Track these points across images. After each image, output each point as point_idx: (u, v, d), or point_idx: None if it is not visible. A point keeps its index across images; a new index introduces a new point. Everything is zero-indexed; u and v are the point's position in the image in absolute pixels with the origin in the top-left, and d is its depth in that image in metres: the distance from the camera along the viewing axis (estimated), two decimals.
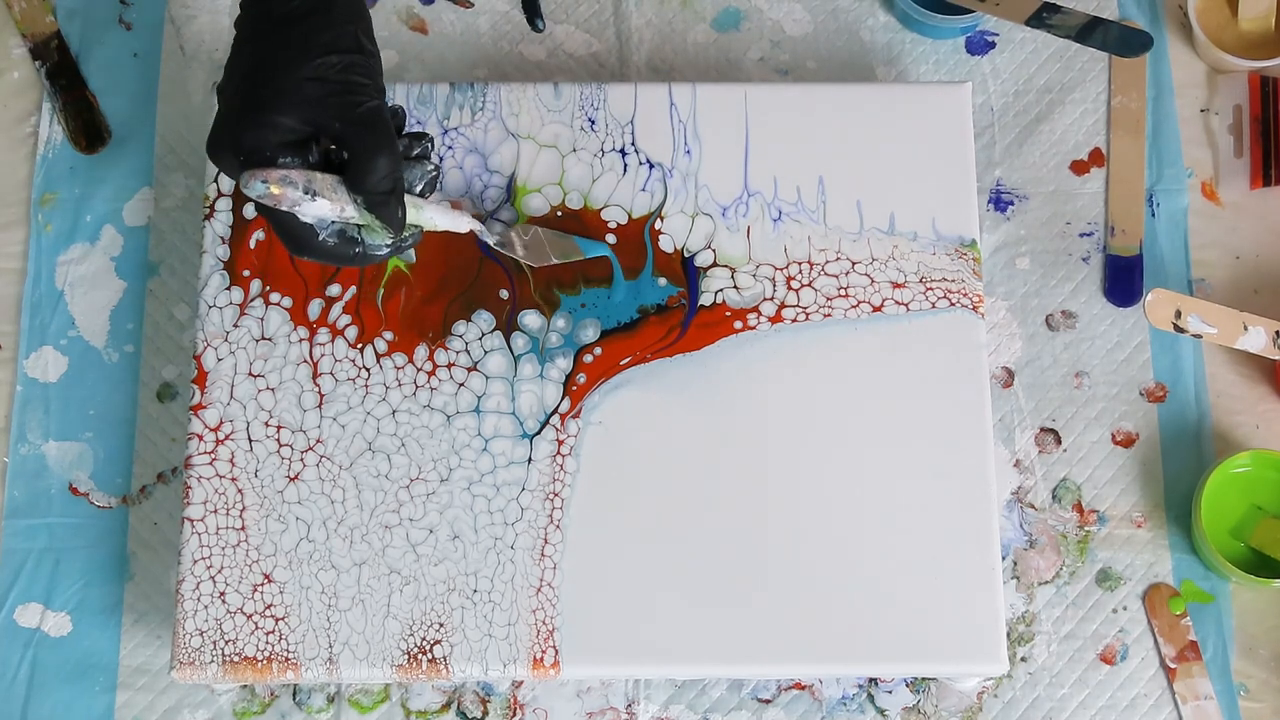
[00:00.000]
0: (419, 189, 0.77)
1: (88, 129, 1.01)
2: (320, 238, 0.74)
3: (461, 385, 0.87)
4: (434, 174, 0.78)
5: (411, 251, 0.89)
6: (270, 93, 0.72)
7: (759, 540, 0.84)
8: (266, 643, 0.83)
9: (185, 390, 0.95)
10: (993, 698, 0.91)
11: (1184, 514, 0.93)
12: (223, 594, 0.84)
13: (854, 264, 0.90)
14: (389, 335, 0.88)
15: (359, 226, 0.75)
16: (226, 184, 0.91)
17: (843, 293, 0.89)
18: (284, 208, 0.72)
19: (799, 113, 0.92)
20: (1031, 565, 0.93)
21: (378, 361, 0.88)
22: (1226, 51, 1.00)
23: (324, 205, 0.72)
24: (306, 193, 0.71)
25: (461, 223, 0.81)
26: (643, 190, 0.91)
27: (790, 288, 0.89)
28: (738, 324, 0.88)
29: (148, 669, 0.91)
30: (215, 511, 0.85)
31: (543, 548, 0.84)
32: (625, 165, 0.91)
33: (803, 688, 0.91)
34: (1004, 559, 0.92)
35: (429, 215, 0.78)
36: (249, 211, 0.90)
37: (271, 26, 0.73)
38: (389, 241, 0.76)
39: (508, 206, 0.90)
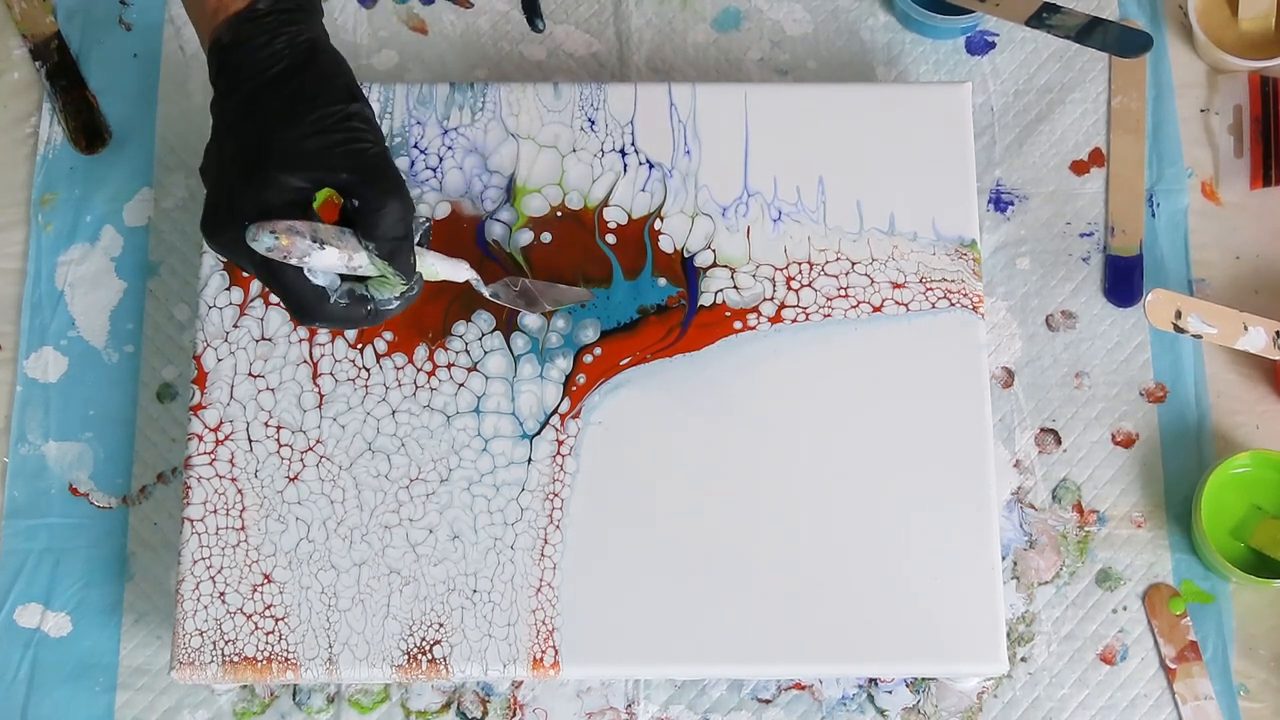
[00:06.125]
0: (417, 239, 0.76)
1: (88, 129, 1.01)
2: (332, 300, 0.72)
3: (461, 385, 0.87)
4: (427, 225, 0.77)
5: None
6: (272, 154, 0.70)
7: (759, 540, 0.84)
8: (266, 643, 0.83)
9: (185, 390, 0.95)
10: (993, 698, 0.91)
11: (1184, 514, 0.93)
12: (222, 594, 0.84)
13: (854, 264, 0.90)
14: (389, 335, 0.88)
15: (366, 283, 0.73)
16: None
17: (843, 293, 0.89)
18: (292, 260, 0.69)
19: (799, 113, 0.92)
20: (1031, 565, 0.93)
21: (377, 362, 0.88)
22: (1226, 51, 1.00)
23: (332, 254, 0.70)
24: (314, 241, 0.69)
25: (460, 271, 0.80)
26: (642, 190, 0.91)
27: (790, 288, 0.89)
28: (738, 324, 0.88)
29: (148, 669, 0.91)
30: (215, 511, 0.85)
31: (543, 548, 0.84)
32: (625, 165, 0.91)
33: (803, 688, 0.91)
34: (1004, 559, 0.92)
35: (430, 263, 0.78)
36: None
37: (255, 95, 0.71)
38: (398, 294, 0.74)
39: (508, 207, 0.90)
